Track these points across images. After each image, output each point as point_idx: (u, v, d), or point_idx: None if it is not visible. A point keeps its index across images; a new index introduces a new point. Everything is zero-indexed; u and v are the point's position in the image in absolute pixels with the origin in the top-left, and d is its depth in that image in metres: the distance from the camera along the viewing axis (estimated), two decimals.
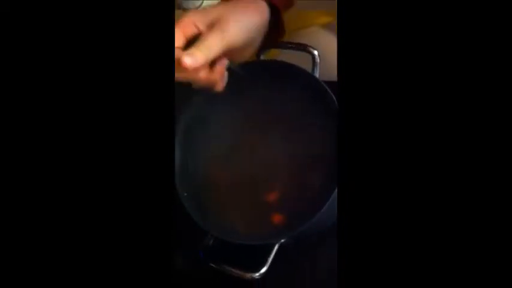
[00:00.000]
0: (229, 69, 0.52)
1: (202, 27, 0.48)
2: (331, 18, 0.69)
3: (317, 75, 0.57)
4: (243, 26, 0.49)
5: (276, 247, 0.53)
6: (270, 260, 0.52)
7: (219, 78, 0.51)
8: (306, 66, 0.57)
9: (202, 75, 0.49)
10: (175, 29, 0.47)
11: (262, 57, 0.60)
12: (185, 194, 0.57)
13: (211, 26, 0.48)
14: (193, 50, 0.46)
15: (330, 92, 0.54)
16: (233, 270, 0.53)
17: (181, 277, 0.60)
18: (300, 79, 0.57)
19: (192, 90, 0.52)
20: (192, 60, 0.45)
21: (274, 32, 0.56)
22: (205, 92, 0.52)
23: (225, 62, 0.51)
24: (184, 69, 0.45)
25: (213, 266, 0.54)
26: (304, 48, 0.59)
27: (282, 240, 0.53)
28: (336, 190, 0.50)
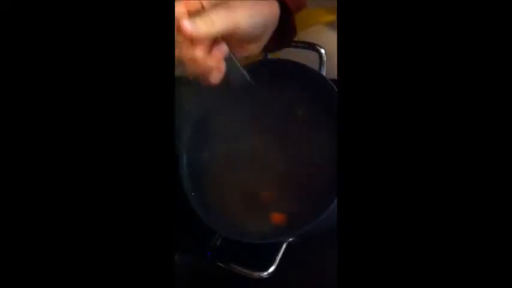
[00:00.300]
0: (227, 59, 0.48)
1: (207, 5, 0.45)
2: (335, 17, 0.69)
3: (324, 73, 0.57)
4: (250, 13, 0.46)
5: (284, 246, 0.53)
6: (278, 259, 0.52)
7: (216, 65, 0.47)
8: (312, 63, 0.57)
9: (198, 54, 0.45)
10: (178, 1, 0.44)
11: (268, 56, 0.60)
12: (193, 194, 0.58)
13: (217, 5, 0.45)
14: (195, 19, 0.43)
15: (337, 90, 0.54)
16: (241, 269, 0.54)
17: (190, 276, 0.61)
18: (307, 77, 0.57)
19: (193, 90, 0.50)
20: (192, 26, 0.42)
21: (285, 32, 0.53)
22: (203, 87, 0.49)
23: (224, 49, 0.47)
24: (183, 36, 0.42)
25: (221, 265, 0.55)
26: (311, 46, 0.58)
27: (290, 239, 0.53)
28: None
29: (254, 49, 0.51)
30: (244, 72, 0.51)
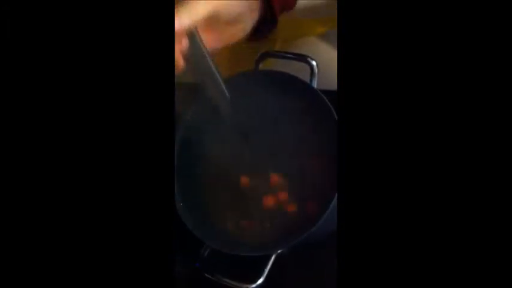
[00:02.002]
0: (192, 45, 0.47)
1: None
2: (328, 28, 0.69)
3: (315, 85, 0.57)
4: None
5: (272, 258, 0.52)
6: (266, 271, 0.52)
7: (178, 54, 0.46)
8: (303, 74, 0.57)
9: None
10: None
11: (260, 67, 0.60)
12: (181, 204, 0.57)
13: None
14: (179, 10, 0.43)
15: (328, 102, 0.54)
16: (229, 281, 0.53)
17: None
18: (297, 89, 0.57)
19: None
20: (178, 20, 0.42)
21: (267, 19, 0.53)
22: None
23: (184, 43, 0.46)
24: None
25: (209, 277, 0.54)
26: (303, 58, 0.58)
27: (279, 251, 0.52)
28: (334, 201, 0.50)
29: (237, 33, 0.52)
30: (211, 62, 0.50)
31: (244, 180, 0.59)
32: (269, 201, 0.58)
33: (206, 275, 0.54)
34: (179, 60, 0.47)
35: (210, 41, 0.49)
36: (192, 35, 0.47)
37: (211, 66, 0.50)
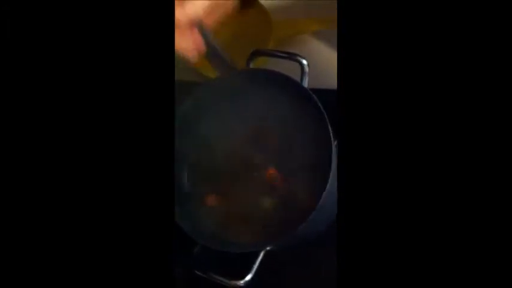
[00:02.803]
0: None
1: None
2: (322, 26, 0.70)
3: (306, 84, 0.57)
4: None
5: (261, 255, 0.53)
6: (255, 267, 0.52)
7: (196, 46, 0.51)
8: (295, 73, 0.57)
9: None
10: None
11: (251, 65, 0.61)
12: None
13: None
14: (184, 3, 0.47)
15: (318, 102, 0.54)
16: (218, 277, 0.53)
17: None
18: (288, 88, 0.57)
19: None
20: (183, 13, 0.47)
21: None
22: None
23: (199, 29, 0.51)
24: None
25: (198, 273, 0.54)
26: (293, 57, 0.59)
27: (268, 248, 0.53)
28: (322, 199, 0.50)
29: (228, 8, 0.55)
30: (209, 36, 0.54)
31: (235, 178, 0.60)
32: (259, 200, 0.58)
33: (195, 271, 0.54)
34: (197, 50, 0.52)
35: (209, 23, 0.53)
36: (200, 25, 0.51)
37: (218, 49, 0.55)
